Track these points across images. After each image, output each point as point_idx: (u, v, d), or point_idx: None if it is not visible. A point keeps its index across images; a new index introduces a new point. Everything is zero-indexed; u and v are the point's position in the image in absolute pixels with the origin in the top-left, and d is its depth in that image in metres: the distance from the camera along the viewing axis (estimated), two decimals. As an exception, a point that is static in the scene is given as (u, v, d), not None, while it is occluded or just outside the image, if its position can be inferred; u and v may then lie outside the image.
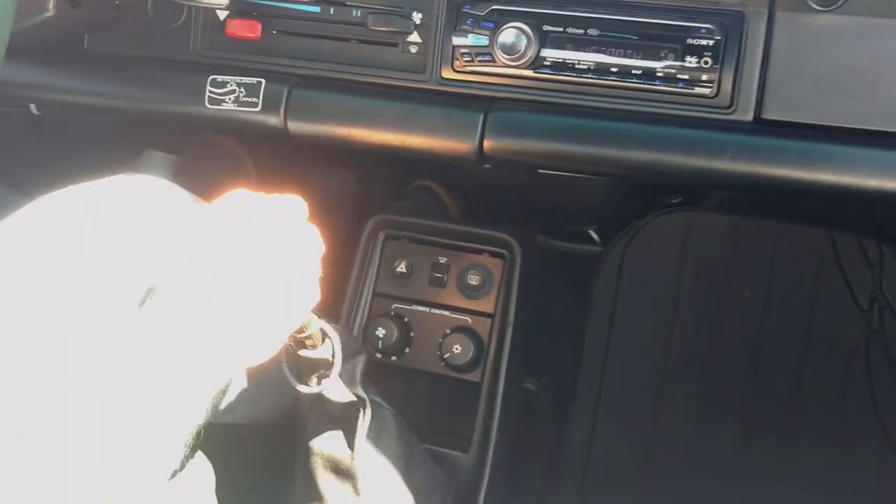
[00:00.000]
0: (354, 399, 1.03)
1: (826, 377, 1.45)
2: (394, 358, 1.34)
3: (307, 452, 1.08)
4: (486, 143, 1.04)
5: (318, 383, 0.98)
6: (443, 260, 1.36)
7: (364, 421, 1.04)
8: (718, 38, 0.99)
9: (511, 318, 1.30)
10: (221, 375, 0.80)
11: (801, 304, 1.47)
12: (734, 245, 1.51)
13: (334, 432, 1.06)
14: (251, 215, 0.86)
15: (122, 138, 1.62)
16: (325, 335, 0.96)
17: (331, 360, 0.97)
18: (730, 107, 1.00)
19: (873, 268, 1.46)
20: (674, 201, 1.55)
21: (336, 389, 1.00)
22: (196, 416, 0.76)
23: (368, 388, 1.07)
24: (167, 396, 0.73)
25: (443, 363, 1.31)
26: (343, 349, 0.97)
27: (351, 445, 1.05)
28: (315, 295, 0.91)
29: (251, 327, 0.82)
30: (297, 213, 0.90)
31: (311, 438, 1.07)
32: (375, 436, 1.06)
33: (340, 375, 0.98)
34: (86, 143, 1.52)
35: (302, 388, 0.98)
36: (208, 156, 1.69)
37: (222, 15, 1.13)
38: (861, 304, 1.46)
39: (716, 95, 1.00)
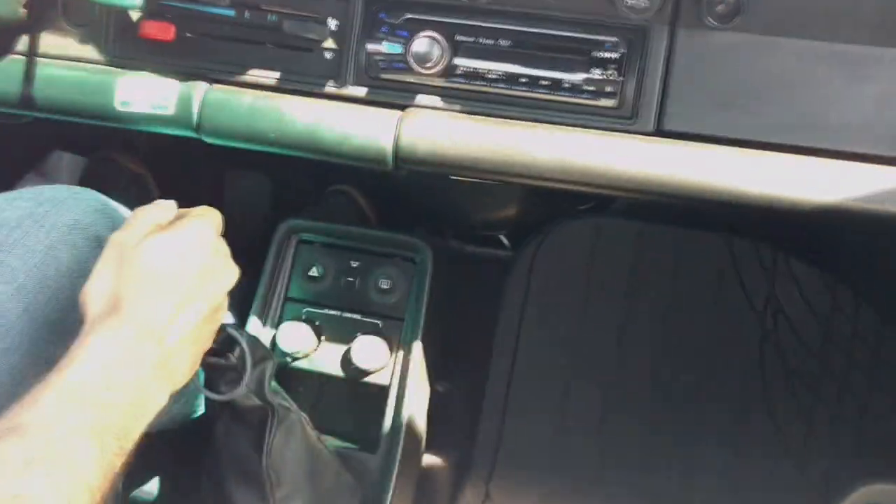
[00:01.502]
0: (262, 404, 1.04)
1: (725, 375, 1.52)
2: (304, 362, 1.35)
3: (215, 457, 1.08)
4: (400, 150, 1.05)
5: (227, 389, 0.99)
6: (355, 264, 1.37)
7: (272, 426, 1.05)
8: (622, 51, 1.02)
9: (421, 321, 1.32)
10: (152, 408, 0.80)
11: (702, 306, 1.54)
12: (640, 250, 1.57)
13: (242, 437, 1.07)
14: (163, 236, 0.85)
15: (30, 137, 1.59)
16: (233, 341, 0.97)
17: (239, 366, 0.98)
18: (632, 118, 1.03)
19: (767, 272, 1.53)
20: (583, 207, 1.60)
21: (245, 396, 1.01)
22: (129, 444, 0.77)
23: (276, 392, 1.07)
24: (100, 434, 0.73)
25: (352, 366, 1.32)
26: (251, 355, 0.97)
27: (259, 450, 1.05)
28: (225, 312, 0.92)
29: (173, 354, 0.82)
30: (209, 229, 0.90)
31: (219, 443, 1.07)
32: (283, 440, 1.07)
33: (248, 381, 0.98)
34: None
35: (211, 396, 0.98)
36: (108, 175, 1.66)
37: (135, 16, 1.12)
38: (756, 307, 1.53)
39: (619, 107, 1.03)
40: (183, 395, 1.06)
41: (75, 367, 0.75)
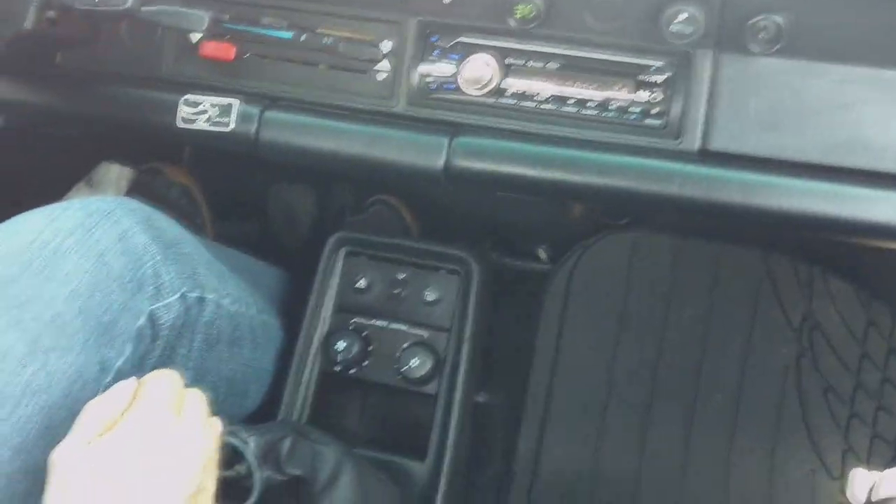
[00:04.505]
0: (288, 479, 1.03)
1: (761, 392, 1.52)
2: (352, 371, 1.38)
3: None
4: (451, 166, 1.09)
5: (241, 497, 0.96)
6: (401, 276, 1.39)
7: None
8: (668, 75, 1.06)
9: (467, 332, 1.34)
10: None
11: (739, 323, 1.55)
12: (677, 265, 1.58)
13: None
14: (112, 443, 0.79)
15: (78, 147, 1.63)
16: (236, 452, 0.95)
17: (247, 476, 0.96)
18: (678, 138, 1.06)
19: (804, 288, 1.55)
20: (621, 222, 1.62)
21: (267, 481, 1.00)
22: None
23: (312, 440, 1.09)
24: None
25: (400, 376, 1.34)
26: (258, 462, 0.96)
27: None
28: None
29: None
30: (165, 409, 0.84)
31: None
32: (330, 480, 1.10)
33: (264, 463, 0.97)
34: (42, 151, 1.53)
35: None
36: (156, 187, 1.68)
37: (196, 37, 1.16)
38: (793, 323, 1.54)
39: (665, 127, 1.06)
40: None
41: None
